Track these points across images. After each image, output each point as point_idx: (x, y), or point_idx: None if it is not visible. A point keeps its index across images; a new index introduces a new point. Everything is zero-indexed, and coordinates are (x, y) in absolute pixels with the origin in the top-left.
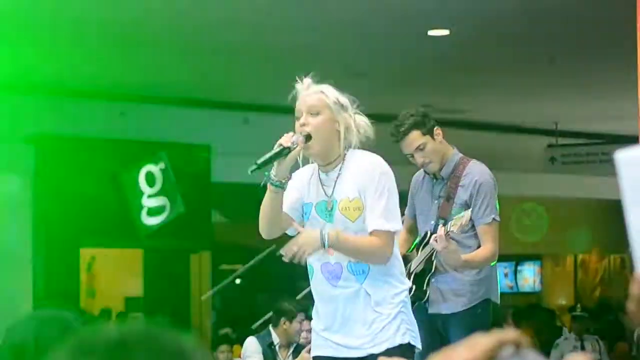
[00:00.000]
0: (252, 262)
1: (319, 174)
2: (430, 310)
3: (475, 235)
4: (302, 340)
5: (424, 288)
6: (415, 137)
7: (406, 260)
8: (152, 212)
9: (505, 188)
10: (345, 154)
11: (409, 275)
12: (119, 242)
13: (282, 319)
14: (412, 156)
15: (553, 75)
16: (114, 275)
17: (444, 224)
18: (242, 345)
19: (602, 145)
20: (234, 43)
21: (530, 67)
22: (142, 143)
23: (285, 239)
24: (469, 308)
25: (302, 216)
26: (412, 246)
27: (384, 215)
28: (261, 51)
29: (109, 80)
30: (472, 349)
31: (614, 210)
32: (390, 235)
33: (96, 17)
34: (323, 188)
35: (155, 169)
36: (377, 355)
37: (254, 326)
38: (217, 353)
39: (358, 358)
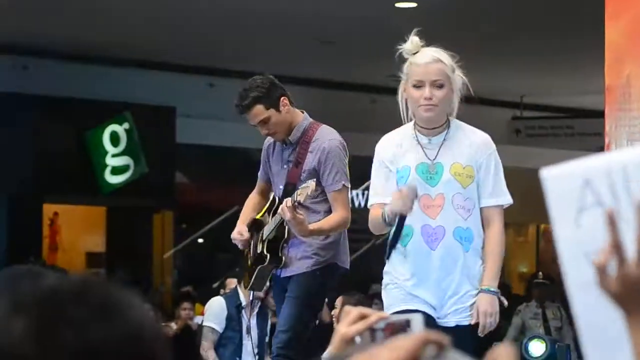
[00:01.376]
0: (214, 223)
1: (417, 138)
2: (282, 275)
3: (326, 200)
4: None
5: (279, 255)
6: (258, 112)
7: (258, 225)
8: (115, 170)
9: None
10: (449, 121)
11: (262, 242)
12: (83, 199)
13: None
14: (257, 127)
15: (519, 49)
16: (76, 231)
17: (292, 190)
18: (204, 303)
19: (566, 119)
20: (203, 10)
21: (497, 41)
22: (107, 103)
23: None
24: (312, 270)
25: (397, 181)
26: (263, 211)
27: (496, 192)
28: (230, 17)
29: (79, 41)
30: (395, 349)
31: None
32: (502, 209)
33: None
34: (424, 151)
35: (119, 128)
36: (464, 327)
37: (215, 285)
38: (179, 310)
39: (443, 326)
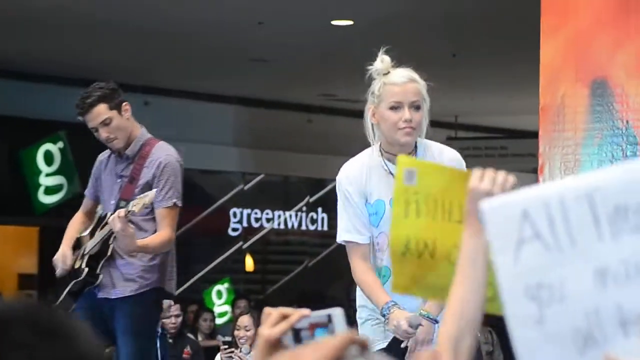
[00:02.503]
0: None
1: (386, 167)
2: (100, 295)
3: (154, 219)
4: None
5: (97, 272)
6: (101, 111)
7: (79, 243)
8: (49, 190)
9: None
10: (416, 143)
11: (82, 256)
12: (16, 219)
13: None
14: (97, 130)
15: (454, 69)
16: (8, 252)
17: (125, 205)
18: None
19: (501, 140)
20: (139, 27)
21: (432, 60)
22: (42, 122)
23: (184, 223)
24: (137, 294)
25: (369, 217)
26: (89, 229)
27: None
28: (163, 36)
29: (11, 57)
30: (319, 349)
31: None
32: None
33: None
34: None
35: (54, 147)
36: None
37: None
38: None
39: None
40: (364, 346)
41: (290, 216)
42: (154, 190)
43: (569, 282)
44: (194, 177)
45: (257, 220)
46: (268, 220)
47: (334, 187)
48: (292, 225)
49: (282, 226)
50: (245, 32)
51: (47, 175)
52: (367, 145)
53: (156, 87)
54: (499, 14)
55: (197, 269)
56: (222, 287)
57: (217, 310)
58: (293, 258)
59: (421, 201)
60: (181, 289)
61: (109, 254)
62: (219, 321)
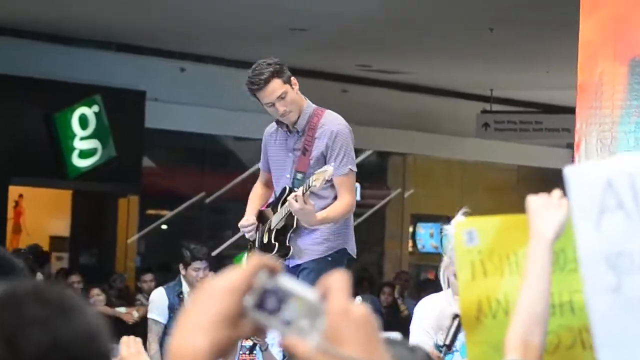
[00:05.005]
0: (180, 208)
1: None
2: (291, 264)
3: (332, 186)
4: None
5: (287, 244)
6: (277, 86)
7: (264, 216)
8: (83, 154)
9: (435, 150)
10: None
11: (269, 231)
12: (49, 182)
13: (180, 266)
14: (273, 105)
15: (491, 43)
16: (41, 214)
17: (303, 179)
18: None
19: (536, 115)
20: None
21: (469, 34)
22: (77, 85)
23: (217, 189)
24: (325, 256)
25: None
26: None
27: None
28: (202, 3)
29: (48, 20)
30: (230, 275)
31: (544, 178)
32: None
33: None
34: None
35: (89, 111)
36: None
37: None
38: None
39: None
40: (273, 271)
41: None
42: (332, 164)
43: None
44: (228, 144)
45: None
46: None
47: (368, 157)
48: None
49: None
50: (285, 1)
51: (82, 139)
52: (398, 115)
53: (193, 53)
54: None
55: (230, 236)
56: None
57: None
58: None
59: (485, 259)
60: (213, 254)
61: (295, 226)
62: None
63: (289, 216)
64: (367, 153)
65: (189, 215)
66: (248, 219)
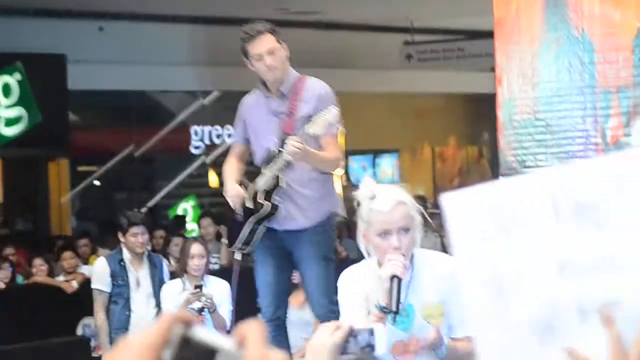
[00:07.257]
0: (109, 164)
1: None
2: (280, 228)
3: (320, 147)
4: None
5: (276, 204)
6: (270, 39)
7: (244, 185)
8: (9, 122)
9: (361, 85)
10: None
11: (256, 193)
12: None
13: (119, 234)
14: (261, 59)
15: None
16: None
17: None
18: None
19: (457, 42)
20: None
21: None
22: None
23: (145, 142)
24: (316, 224)
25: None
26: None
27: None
28: None
29: None
30: (146, 332)
31: (470, 103)
32: None
33: None
34: None
35: (11, 80)
36: None
37: None
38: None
39: None
40: (188, 324)
41: None
42: (333, 108)
43: (529, 273)
44: (152, 98)
45: (218, 136)
46: (229, 136)
47: None
48: None
49: None
50: None
51: (7, 107)
52: (320, 54)
53: (110, 12)
54: None
55: (162, 186)
56: (188, 204)
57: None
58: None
59: None
60: (149, 205)
61: (279, 185)
62: None
63: (277, 177)
64: None
65: (119, 169)
66: (234, 186)
